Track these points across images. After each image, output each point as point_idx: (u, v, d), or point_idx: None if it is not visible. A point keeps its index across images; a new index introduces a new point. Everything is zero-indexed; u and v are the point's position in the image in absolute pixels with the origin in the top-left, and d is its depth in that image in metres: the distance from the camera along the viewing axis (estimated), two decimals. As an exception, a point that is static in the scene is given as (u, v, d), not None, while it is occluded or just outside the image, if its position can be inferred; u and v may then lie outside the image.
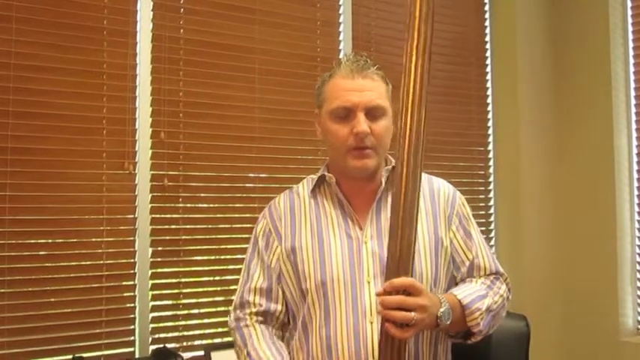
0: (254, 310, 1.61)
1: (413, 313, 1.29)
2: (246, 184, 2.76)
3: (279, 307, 1.61)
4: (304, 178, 1.73)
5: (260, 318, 1.61)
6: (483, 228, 3.42)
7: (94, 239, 2.44)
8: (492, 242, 3.46)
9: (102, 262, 2.44)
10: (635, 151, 3.29)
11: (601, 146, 3.32)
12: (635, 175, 3.28)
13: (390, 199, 1.59)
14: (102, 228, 2.45)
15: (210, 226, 2.68)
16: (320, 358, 1.50)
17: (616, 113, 3.28)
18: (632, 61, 3.29)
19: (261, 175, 2.79)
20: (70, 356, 2.28)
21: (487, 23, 3.58)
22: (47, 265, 2.35)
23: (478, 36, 3.55)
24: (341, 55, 1.54)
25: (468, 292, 1.52)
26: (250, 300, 1.62)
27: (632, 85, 3.29)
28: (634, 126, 3.29)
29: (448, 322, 1.41)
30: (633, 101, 3.29)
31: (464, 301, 1.49)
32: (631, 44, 3.30)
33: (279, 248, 1.61)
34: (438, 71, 3.37)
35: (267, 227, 1.66)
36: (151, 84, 2.57)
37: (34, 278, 2.32)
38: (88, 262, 2.42)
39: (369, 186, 1.60)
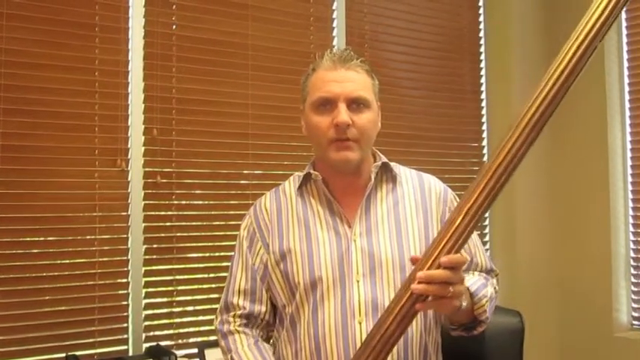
0: (238, 312, 1.61)
1: (451, 287, 1.24)
2: (240, 181, 2.76)
3: (263, 309, 1.61)
4: (298, 172, 1.70)
5: (244, 321, 1.61)
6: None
7: (86, 237, 2.42)
8: (487, 238, 3.46)
9: (95, 259, 2.43)
10: (629, 146, 3.29)
11: (595, 143, 3.32)
12: (629, 171, 3.28)
13: (380, 196, 1.58)
14: (94, 225, 2.44)
15: (204, 223, 2.67)
16: (308, 356, 1.49)
17: (610, 110, 3.28)
18: (625, 56, 3.29)
19: (255, 172, 2.78)
20: (63, 354, 2.27)
21: (481, 19, 3.57)
22: (39, 263, 2.34)
23: (472, 31, 3.54)
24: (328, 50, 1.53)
25: (471, 281, 1.51)
26: (234, 302, 1.62)
27: (626, 80, 3.29)
28: (628, 121, 3.29)
29: (464, 305, 1.39)
30: (627, 97, 3.29)
31: (471, 289, 1.48)
32: (625, 39, 3.30)
33: (263, 249, 1.60)
34: (431, 67, 3.37)
35: (251, 227, 1.64)
36: (144, 80, 2.55)
37: (26, 276, 2.31)
38: (81, 260, 2.41)
39: (356, 182, 1.58)
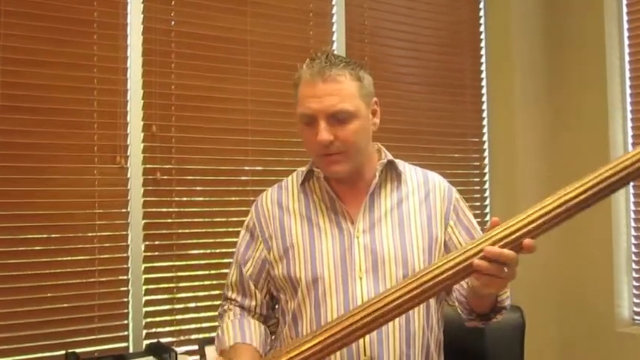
0: (231, 305, 1.65)
1: (506, 269, 1.22)
2: (241, 177, 2.75)
3: (253, 303, 1.62)
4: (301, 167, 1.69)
5: (238, 309, 1.64)
6: (479, 219, 3.41)
7: (86, 234, 2.42)
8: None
9: (94, 256, 2.42)
10: (630, 141, 3.28)
11: (596, 136, 3.30)
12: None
13: (384, 194, 1.57)
14: (94, 222, 2.43)
15: (204, 220, 2.66)
16: None
17: (611, 102, 3.27)
18: (627, 50, 3.28)
19: (255, 168, 2.77)
20: (63, 352, 2.27)
21: (482, 13, 3.56)
22: (39, 260, 2.33)
23: (473, 26, 3.53)
24: (329, 48, 1.48)
25: None
26: (228, 295, 1.66)
27: (628, 74, 3.27)
28: (629, 115, 3.28)
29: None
30: (628, 90, 3.28)
31: None
32: (626, 33, 3.28)
33: (263, 245, 1.60)
34: (431, 62, 3.36)
35: (251, 222, 1.65)
36: (143, 77, 2.54)
37: (26, 274, 2.30)
38: (81, 257, 2.40)
39: (359, 181, 1.58)
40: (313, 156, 1.54)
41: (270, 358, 1.34)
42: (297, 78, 1.53)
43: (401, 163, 1.63)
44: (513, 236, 1.20)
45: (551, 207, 1.20)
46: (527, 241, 1.19)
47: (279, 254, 1.56)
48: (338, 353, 1.45)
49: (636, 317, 3.24)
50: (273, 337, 1.65)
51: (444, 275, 1.20)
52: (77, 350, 2.29)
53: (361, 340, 1.44)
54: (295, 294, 1.53)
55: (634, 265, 3.26)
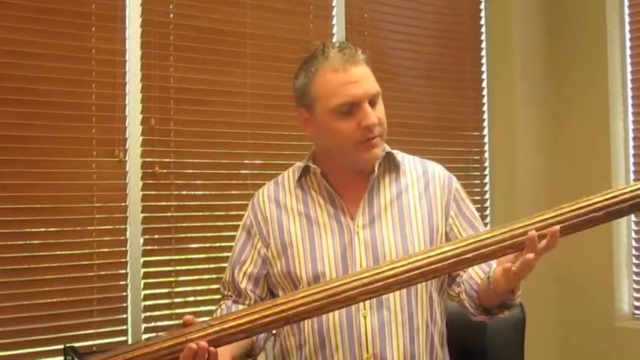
0: (226, 300, 1.63)
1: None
2: (240, 171, 2.73)
3: (247, 301, 1.59)
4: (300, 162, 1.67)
5: (230, 302, 1.62)
6: (479, 213, 3.40)
7: (85, 228, 2.40)
8: (487, 228, 3.44)
9: (93, 250, 2.41)
10: (631, 135, 3.27)
11: (597, 131, 3.29)
12: (631, 160, 3.26)
13: (383, 187, 1.56)
14: (92, 216, 2.42)
15: (203, 214, 2.65)
16: (313, 349, 1.48)
17: (612, 97, 3.25)
18: (628, 44, 3.26)
19: (255, 162, 2.76)
20: (62, 346, 2.25)
21: (482, 6, 3.53)
22: (38, 254, 2.31)
23: (474, 20, 3.51)
24: (321, 45, 1.44)
25: None
26: (223, 293, 1.65)
27: (629, 68, 3.26)
28: (630, 109, 3.26)
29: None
30: (629, 85, 3.26)
31: None
32: (627, 27, 3.26)
33: (261, 243, 1.58)
34: (432, 55, 3.35)
35: (248, 220, 1.63)
36: (141, 70, 2.52)
37: (24, 268, 2.29)
38: (79, 251, 2.39)
39: (359, 174, 1.55)
40: (351, 145, 1.47)
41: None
42: (313, 70, 1.49)
43: (399, 154, 1.61)
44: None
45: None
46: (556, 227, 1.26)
47: (277, 252, 1.55)
48: (340, 350, 1.44)
49: (636, 312, 3.24)
50: (274, 334, 1.63)
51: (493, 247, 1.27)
52: (75, 344, 2.27)
53: (363, 337, 1.44)
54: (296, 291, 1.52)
55: (634, 260, 3.25)
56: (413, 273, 1.25)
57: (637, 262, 3.25)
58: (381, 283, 1.24)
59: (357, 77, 1.47)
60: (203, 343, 1.22)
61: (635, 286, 3.25)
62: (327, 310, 1.27)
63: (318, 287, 1.26)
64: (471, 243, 1.27)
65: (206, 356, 1.22)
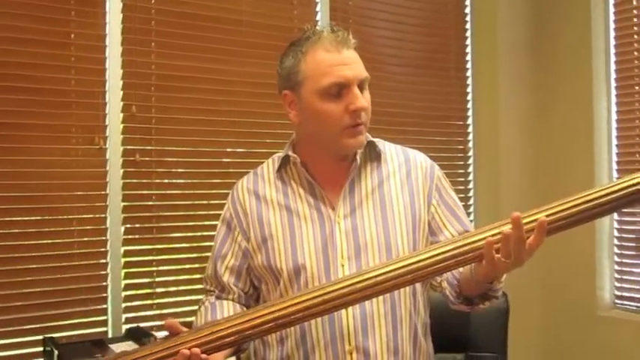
0: (209, 295, 1.61)
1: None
2: (223, 159, 2.70)
3: (231, 296, 1.57)
4: (280, 152, 1.64)
5: (214, 298, 1.60)
6: (463, 203, 3.40)
7: (64, 217, 2.37)
8: (471, 217, 3.45)
9: (73, 240, 2.38)
10: (614, 124, 3.27)
11: (581, 120, 3.30)
12: (614, 149, 3.26)
13: (364, 176, 1.54)
14: (72, 205, 2.38)
15: (185, 203, 2.62)
16: (294, 343, 1.46)
17: (596, 87, 3.26)
18: (612, 34, 3.26)
19: (237, 150, 2.73)
20: (41, 337, 2.23)
21: (467, -5, 3.52)
22: (15, 243, 2.28)
23: (458, 7, 3.49)
24: (312, 27, 1.42)
25: None
26: (206, 287, 1.62)
27: (613, 58, 3.26)
28: (613, 99, 3.26)
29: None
30: (613, 75, 3.26)
31: None
32: (612, 17, 3.26)
33: (241, 236, 1.55)
34: (416, 43, 3.32)
35: (227, 213, 1.60)
36: (122, 56, 2.48)
37: (2, 257, 2.25)
38: (59, 240, 2.36)
39: (341, 163, 1.53)
40: (337, 129, 1.44)
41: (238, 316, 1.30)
42: (302, 51, 1.47)
43: (380, 142, 1.59)
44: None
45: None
46: (542, 218, 1.23)
47: (257, 244, 1.52)
48: (322, 344, 1.43)
49: (617, 301, 3.25)
50: None
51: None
52: (55, 335, 2.25)
53: (345, 329, 1.42)
54: (277, 284, 1.50)
55: (616, 250, 3.27)
56: (410, 275, 1.24)
57: (618, 252, 3.26)
58: (378, 287, 1.24)
59: (349, 60, 1.45)
60: (196, 350, 1.23)
61: (616, 275, 3.26)
62: (323, 314, 1.28)
63: (314, 291, 1.25)
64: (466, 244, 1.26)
65: None
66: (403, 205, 1.52)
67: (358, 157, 1.52)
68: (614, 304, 3.26)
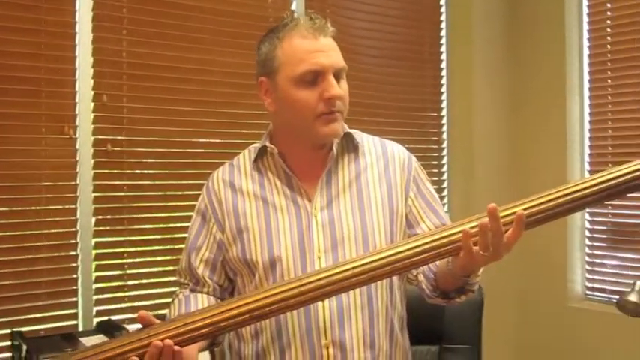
0: (183, 288, 1.59)
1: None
2: (195, 150, 2.67)
3: (205, 289, 1.55)
4: (256, 143, 1.62)
5: (188, 291, 1.58)
6: (437, 194, 3.42)
7: (33, 208, 2.32)
8: (445, 208, 3.45)
9: (41, 231, 2.34)
10: (587, 117, 3.30)
11: (554, 111, 3.33)
12: (587, 141, 3.30)
13: (341, 168, 1.52)
14: (41, 196, 2.34)
15: (157, 194, 2.59)
16: (270, 338, 1.44)
17: (569, 79, 3.28)
18: (586, 27, 3.28)
19: (210, 141, 2.70)
20: (9, 330, 2.19)
21: (442, -15, 3.52)
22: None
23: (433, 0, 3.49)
24: (290, 14, 1.41)
25: None
26: (180, 280, 1.60)
27: (586, 52, 3.29)
28: (586, 92, 3.29)
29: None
30: (586, 68, 3.29)
31: None
32: (585, 10, 3.28)
33: (216, 228, 1.53)
34: (391, 34, 3.31)
35: (202, 205, 1.57)
36: (92, 43, 2.43)
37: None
38: (27, 232, 2.31)
39: (318, 155, 1.51)
40: (311, 117, 1.42)
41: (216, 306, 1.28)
42: (279, 37, 1.45)
43: (358, 134, 1.57)
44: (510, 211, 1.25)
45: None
46: (520, 211, 1.23)
47: (232, 236, 1.50)
48: (297, 336, 1.41)
49: (588, 292, 3.30)
50: None
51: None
52: (23, 329, 2.21)
53: (322, 323, 1.40)
54: (253, 276, 1.47)
55: (587, 242, 3.31)
56: (388, 267, 1.23)
57: (590, 243, 3.30)
58: (355, 279, 1.22)
59: (326, 47, 1.43)
60: (169, 341, 1.20)
61: (587, 267, 3.30)
62: (299, 306, 1.25)
63: (290, 283, 1.23)
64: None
65: (172, 355, 1.20)
66: (381, 197, 1.51)
67: (335, 148, 1.50)
68: (585, 296, 3.30)
